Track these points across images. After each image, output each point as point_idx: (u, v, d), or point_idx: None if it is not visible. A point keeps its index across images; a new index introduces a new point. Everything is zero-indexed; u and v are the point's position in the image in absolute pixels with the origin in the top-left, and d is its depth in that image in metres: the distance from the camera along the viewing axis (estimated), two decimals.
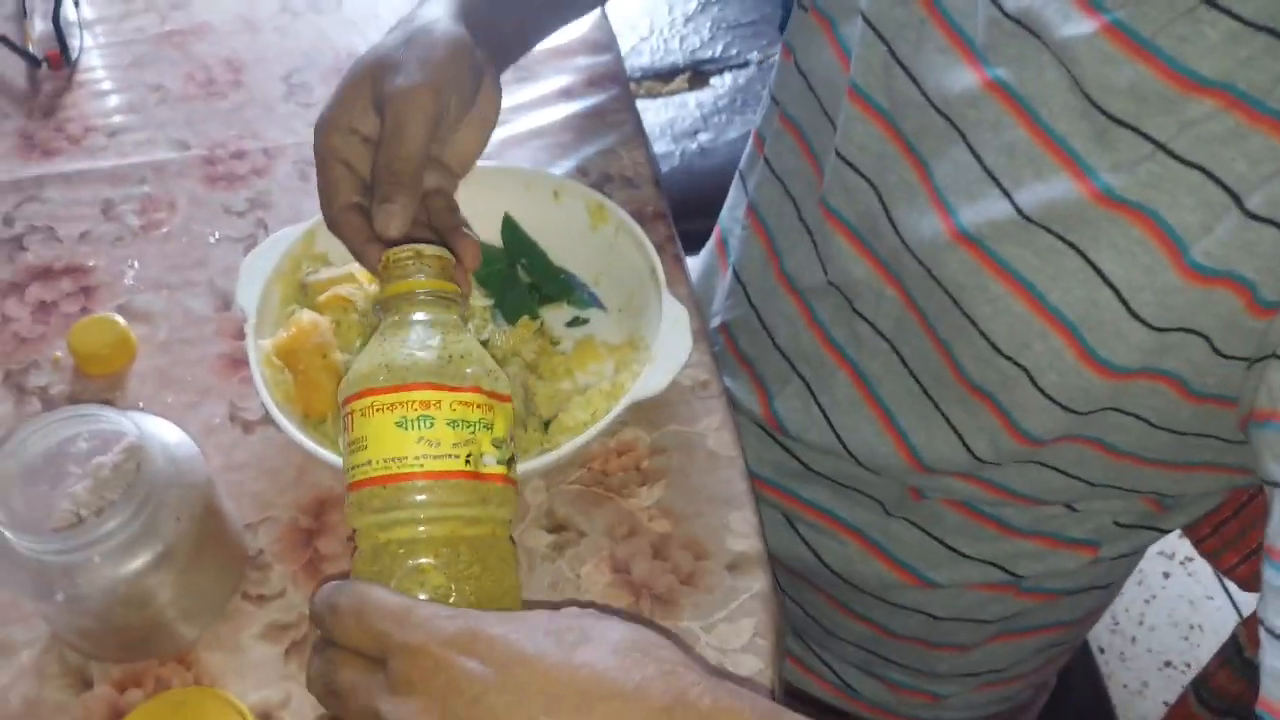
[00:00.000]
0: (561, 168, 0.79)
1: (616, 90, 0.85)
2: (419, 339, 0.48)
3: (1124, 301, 0.52)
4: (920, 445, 0.66)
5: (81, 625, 0.53)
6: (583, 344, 0.68)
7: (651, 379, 0.60)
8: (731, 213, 0.83)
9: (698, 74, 1.46)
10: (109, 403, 0.66)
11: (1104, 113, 0.51)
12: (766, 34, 1.50)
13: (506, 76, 0.83)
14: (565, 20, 0.76)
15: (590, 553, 0.60)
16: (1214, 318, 0.50)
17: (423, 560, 0.44)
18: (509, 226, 0.72)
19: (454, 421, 0.45)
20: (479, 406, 0.46)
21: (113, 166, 0.79)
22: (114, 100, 0.84)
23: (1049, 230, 0.53)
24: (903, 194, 0.62)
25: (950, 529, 0.73)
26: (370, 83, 0.54)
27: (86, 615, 0.52)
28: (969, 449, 0.63)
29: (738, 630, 0.56)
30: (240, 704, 0.52)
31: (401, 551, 0.44)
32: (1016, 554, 0.73)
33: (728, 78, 1.46)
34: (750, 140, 0.80)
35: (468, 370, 0.47)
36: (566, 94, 0.85)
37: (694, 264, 0.88)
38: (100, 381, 0.67)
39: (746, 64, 1.47)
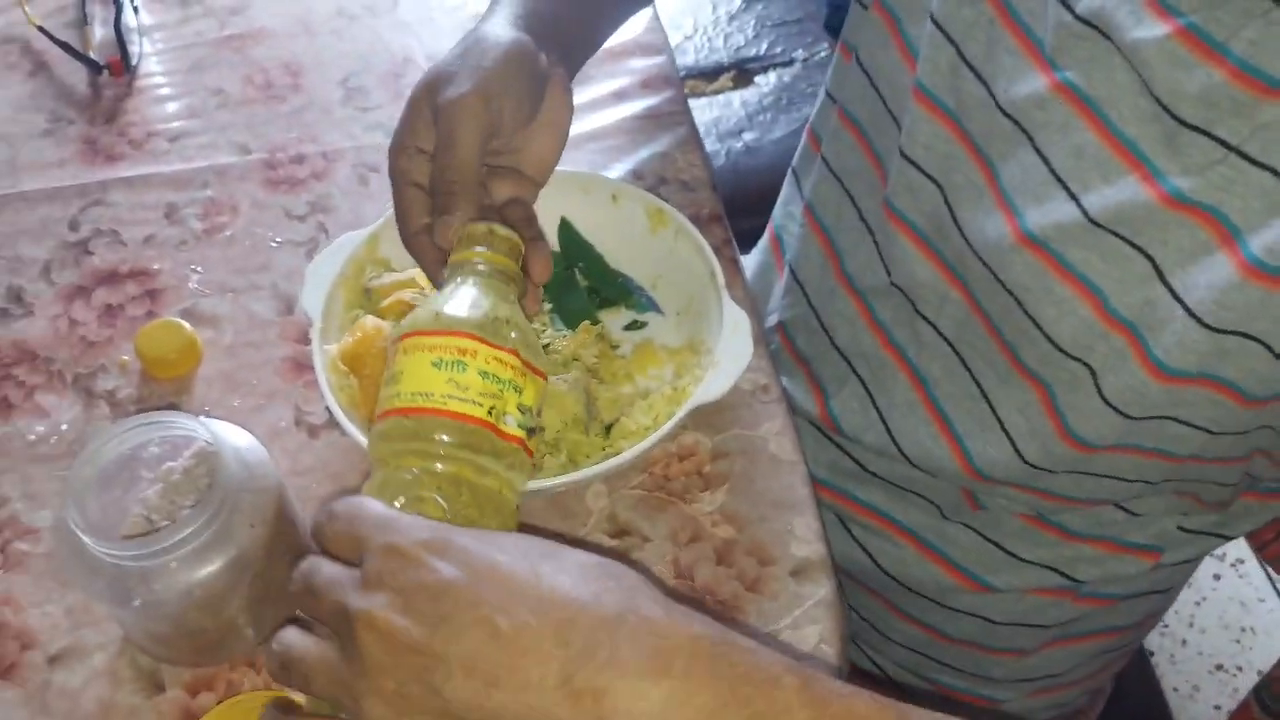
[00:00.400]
0: (617, 171, 0.79)
1: (670, 92, 0.85)
2: (471, 299, 0.50)
3: (1180, 300, 0.51)
4: (975, 451, 0.66)
5: (156, 630, 0.54)
6: (642, 348, 0.68)
7: (714, 384, 0.60)
8: (785, 209, 0.83)
9: (742, 73, 1.46)
10: (176, 406, 0.67)
11: (1174, 116, 0.50)
12: (811, 31, 1.50)
13: None
14: (626, 16, 0.75)
15: (653, 558, 0.60)
16: (1274, 321, 0.49)
17: (425, 492, 0.45)
18: (566, 230, 0.72)
19: (485, 373, 0.47)
20: (512, 368, 0.48)
21: (175, 171, 0.80)
22: (174, 105, 0.85)
23: (1116, 234, 0.53)
24: (969, 195, 0.62)
25: (1009, 534, 0.72)
26: (427, 99, 0.55)
27: (162, 620, 0.52)
28: (1020, 454, 0.63)
29: (803, 637, 0.56)
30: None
31: (409, 479, 0.46)
32: (1076, 558, 0.72)
33: (772, 76, 1.45)
34: (804, 137, 0.79)
35: (511, 334, 0.49)
36: (620, 97, 0.85)
37: (746, 263, 0.88)
38: (167, 385, 0.68)
39: (791, 62, 1.46)
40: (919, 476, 0.72)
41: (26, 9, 0.88)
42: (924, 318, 0.67)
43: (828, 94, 0.75)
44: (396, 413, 0.47)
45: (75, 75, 0.87)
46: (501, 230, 0.53)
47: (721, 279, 0.65)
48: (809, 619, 0.57)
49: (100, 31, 0.89)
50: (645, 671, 0.35)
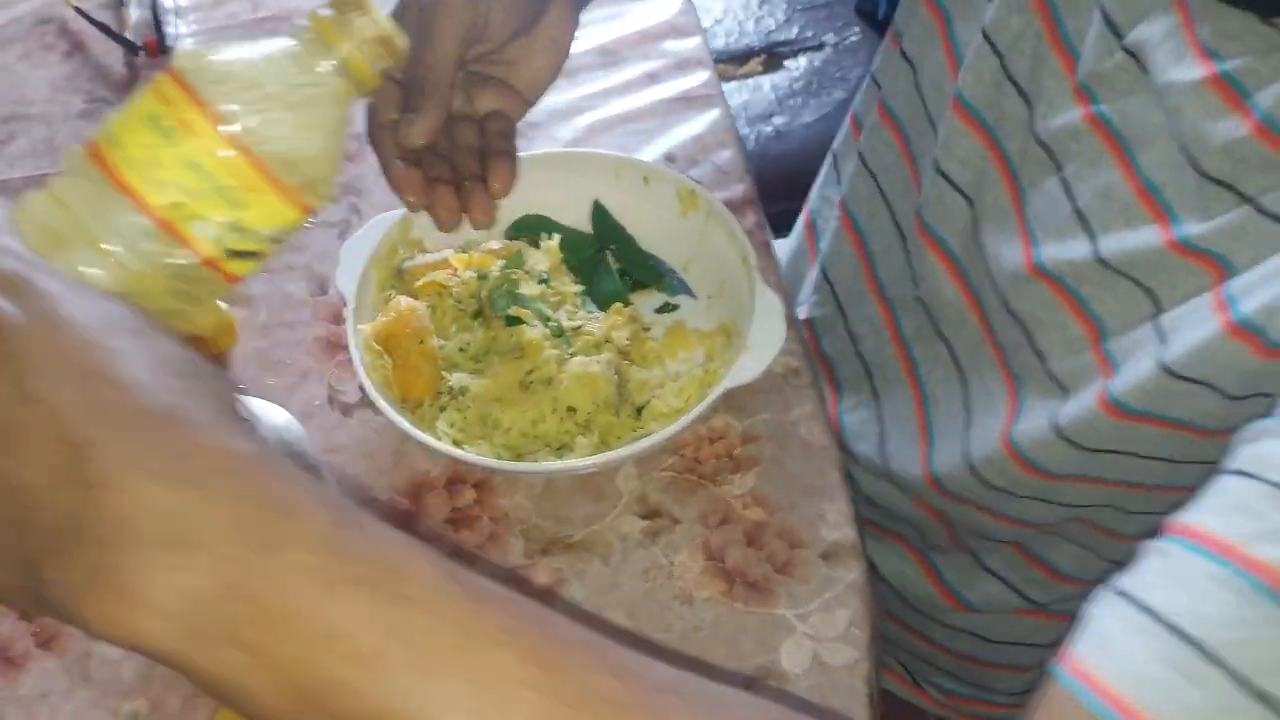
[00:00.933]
0: (649, 154, 0.79)
1: (704, 75, 0.85)
2: (257, 63, 0.38)
3: (1164, 342, 0.50)
4: (936, 456, 0.65)
5: None
6: (674, 331, 0.68)
7: (746, 367, 0.60)
8: (821, 194, 0.82)
9: (772, 56, 1.45)
10: None
11: (1198, 169, 0.48)
12: (842, 15, 1.48)
13: (591, 62, 0.85)
14: None
15: (684, 540, 0.60)
16: (1238, 375, 0.46)
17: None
18: (599, 213, 0.72)
19: (194, 164, 0.36)
20: (239, 175, 0.37)
21: None
22: None
23: (1127, 276, 0.52)
24: (995, 217, 0.61)
25: (1001, 564, 0.70)
26: None
27: None
28: (974, 468, 0.62)
29: (833, 620, 0.56)
30: None
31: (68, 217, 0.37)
32: (1069, 596, 0.70)
33: (802, 60, 1.45)
34: (846, 121, 0.78)
35: (279, 137, 0.37)
36: (653, 79, 0.84)
37: (779, 248, 0.88)
38: None
39: (821, 46, 1.45)
40: (898, 499, 0.71)
41: None
42: (943, 337, 0.66)
43: (872, 78, 0.73)
44: (97, 143, 0.37)
45: (111, 55, 0.88)
46: (376, 16, 0.41)
47: (755, 262, 0.65)
48: (839, 602, 0.57)
49: (136, 12, 0.90)
50: (162, 475, 0.29)
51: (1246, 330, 0.45)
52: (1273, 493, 0.34)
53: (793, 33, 1.47)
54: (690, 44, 0.87)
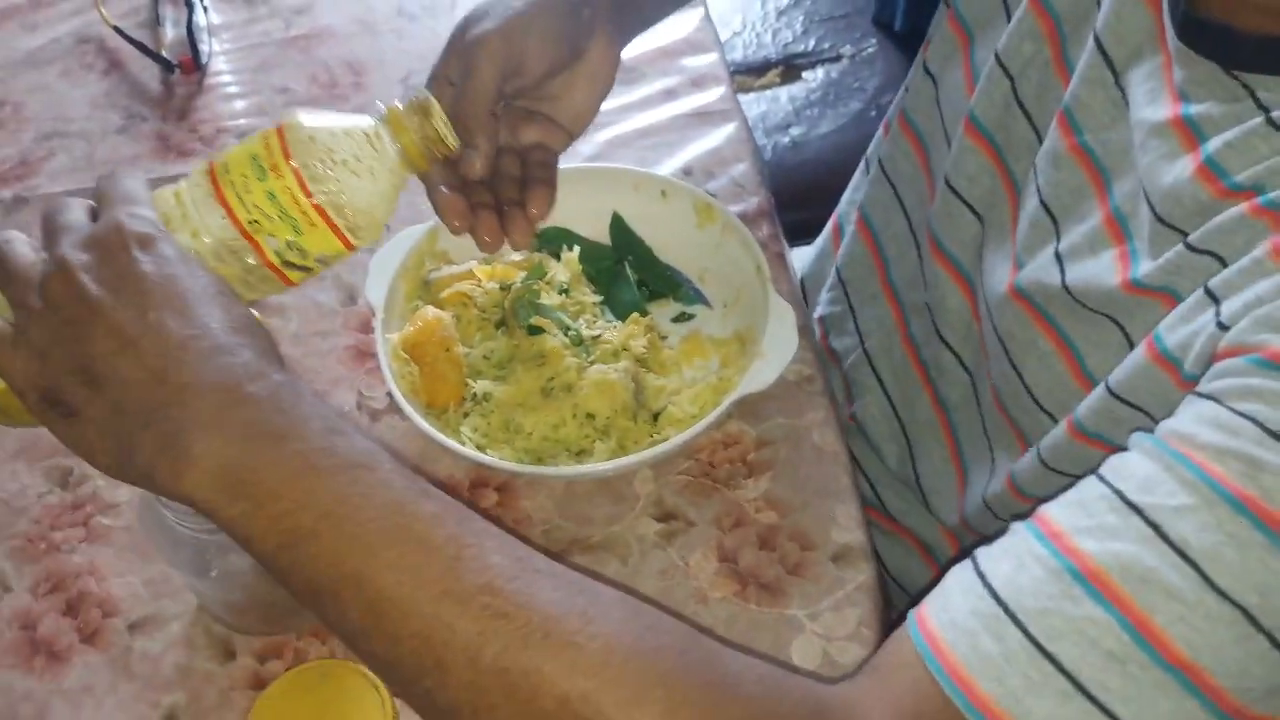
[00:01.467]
0: (668, 168, 0.81)
1: (721, 90, 0.87)
2: (340, 138, 0.49)
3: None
4: (970, 498, 0.66)
5: (230, 599, 0.57)
6: (690, 339, 0.71)
7: (759, 374, 0.62)
8: (851, 197, 0.83)
9: (790, 68, 1.47)
10: None
11: (1151, 208, 0.50)
12: (859, 27, 1.50)
13: None
14: None
15: (698, 542, 0.62)
16: (1157, 397, 0.48)
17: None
18: (618, 225, 0.74)
19: (272, 195, 0.47)
20: (303, 211, 0.48)
21: None
22: (242, 103, 0.88)
23: (1084, 305, 0.54)
24: (996, 235, 0.63)
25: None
26: (460, 35, 0.57)
27: (236, 589, 0.56)
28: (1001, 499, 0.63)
29: (843, 620, 0.58)
30: (372, 675, 0.55)
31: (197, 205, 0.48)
32: None
33: (820, 71, 1.46)
34: (880, 128, 0.79)
35: (331, 187, 0.48)
36: (671, 94, 0.87)
37: (807, 252, 0.90)
38: None
39: (839, 58, 1.47)
40: (921, 514, 0.72)
41: (103, 10, 0.92)
42: (945, 343, 0.68)
43: (905, 89, 0.74)
44: (214, 165, 0.49)
45: (148, 74, 0.91)
46: (437, 114, 0.51)
47: (768, 273, 0.67)
48: (849, 602, 0.59)
49: (172, 31, 0.93)
50: (219, 387, 0.42)
51: (1167, 360, 0.47)
52: (1110, 496, 0.40)
53: (810, 44, 1.49)
54: (708, 60, 0.89)
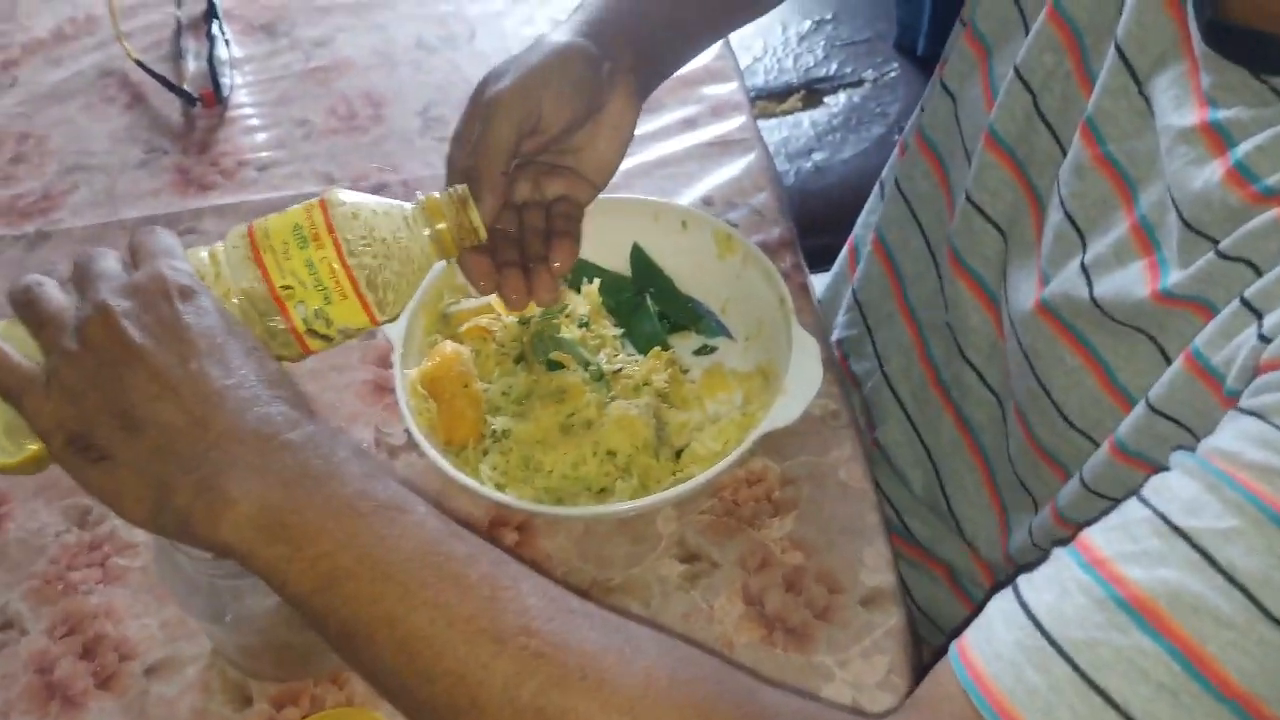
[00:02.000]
0: (688, 198, 0.80)
1: (741, 119, 0.86)
2: (379, 218, 0.51)
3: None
4: (1010, 515, 0.64)
5: (246, 643, 0.56)
6: (711, 372, 0.69)
7: (784, 410, 0.61)
8: (867, 220, 0.82)
9: (812, 93, 1.46)
10: None
11: (1180, 215, 0.49)
12: (881, 51, 1.49)
13: None
14: (723, 30, 0.74)
15: (723, 584, 0.61)
16: (1199, 414, 0.47)
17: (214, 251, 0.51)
18: (638, 256, 0.74)
19: (311, 263, 0.50)
20: (337, 282, 0.50)
21: (264, 199, 0.83)
22: (263, 135, 0.88)
23: (1113, 318, 0.52)
24: (1021, 250, 0.61)
25: None
26: (479, 93, 0.58)
27: (252, 634, 0.55)
28: (1032, 536, 0.62)
29: (873, 667, 0.57)
30: None
31: (226, 262, 0.51)
32: None
33: (842, 96, 1.45)
34: (896, 149, 0.78)
35: (369, 260, 0.50)
36: (691, 124, 0.86)
37: (824, 279, 0.89)
38: None
39: (861, 82, 1.46)
40: (952, 542, 0.71)
41: (126, 44, 0.93)
42: (969, 362, 0.67)
43: (921, 108, 0.74)
44: (254, 229, 0.51)
45: (170, 107, 0.91)
46: (474, 207, 0.53)
47: (790, 305, 0.66)
48: (878, 648, 0.57)
49: (193, 64, 0.93)
50: (257, 433, 0.43)
51: (1209, 375, 0.46)
52: (1154, 520, 0.39)
53: (832, 69, 1.48)
54: (728, 89, 0.88)
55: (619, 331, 0.70)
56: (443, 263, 0.68)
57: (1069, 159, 0.57)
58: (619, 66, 0.59)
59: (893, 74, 1.46)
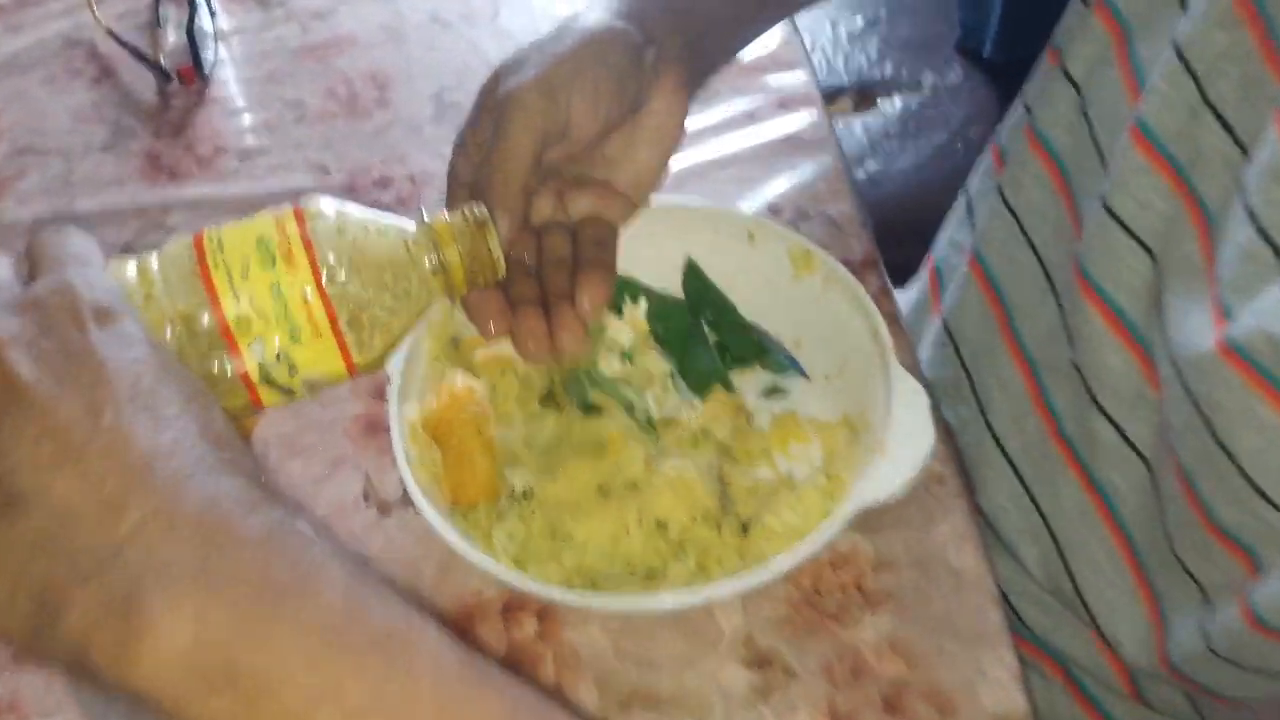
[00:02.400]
0: (750, 204, 0.68)
1: (812, 114, 0.74)
2: (372, 239, 0.41)
3: None
4: (1166, 605, 0.52)
5: None
6: (783, 421, 0.56)
7: (885, 480, 0.48)
8: (952, 238, 0.71)
9: (864, 95, 1.34)
10: None
11: None
12: (941, 53, 1.37)
13: None
14: (789, 7, 0.64)
15: (802, 698, 0.47)
16: None
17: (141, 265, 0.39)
18: (693, 274, 0.60)
19: (277, 288, 0.39)
20: (312, 319, 0.39)
21: (244, 193, 0.71)
22: (248, 119, 0.77)
23: None
24: (1182, 275, 0.49)
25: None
26: (492, 89, 0.48)
27: None
28: (1208, 640, 0.49)
29: None
30: None
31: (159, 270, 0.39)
32: None
33: (897, 100, 1.33)
34: (987, 154, 0.67)
35: (352, 290, 0.40)
36: (753, 118, 0.74)
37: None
38: None
39: (919, 86, 1.34)
40: (1075, 634, 0.58)
41: (96, 10, 0.80)
42: (1103, 412, 0.55)
43: (1023, 104, 0.63)
44: (204, 238, 0.40)
45: (143, 83, 0.79)
46: (495, 235, 0.42)
47: (888, 340, 0.53)
48: None
49: (173, 36, 0.81)
50: (196, 525, 0.30)
51: None
52: None
53: (887, 71, 1.36)
54: (796, 79, 0.76)
55: (669, 367, 0.57)
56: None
57: (1262, 159, 0.44)
58: (665, 55, 0.49)
59: (955, 79, 1.34)
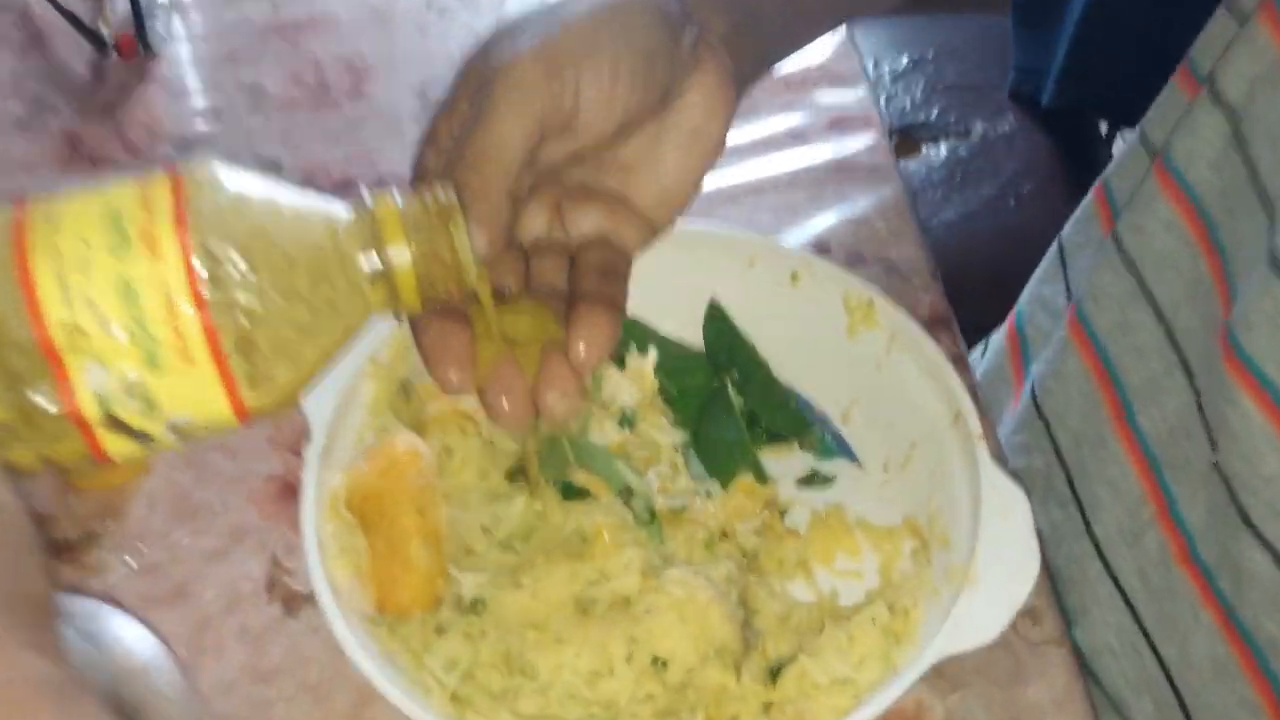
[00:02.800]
0: (792, 238, 0.57)
1: (870, 137, 0.63)
2: (305, 251, 0.29)
3: None
4: None
5: None
6: (827, 520, 0.44)
7: (976, 620, 0.35)
8: (1039, 294, 0.61)
9: (906, 140, 1.24)
10: (93, 536, 0.44)
11: None
12: (993, 99, 1.27)
13: None
14: (857, 11, 0.53)
15: None
16: None
17: None
18: (718, 320, 0.49)
19: (129, 286, 0.28)
20: (182, 333, 0.28)
21: None
22: (196, 102, 0.66)
23: None
24: None
25: None
26: (480, 63, 0.36)
27: None
28: None
29: None
30: None
31: None
32: None
33: (943, 147, 1.23)
34: (1090, 196, 0.57)
35: (258, 315, 0.28)
36: (799, 138, 0.64)
37: None
38: (89, 502, 0.46)
39: (967, 133, 1.23)
40: None
41: None
42: (1258, 534, 0.43)
43: (1142, 138, 0.52)
44: (25, 215, 0.29)
45: (77, 55, 0.68)
46: (463, 228, 0.31)
47: (976, 425, 0.40)
48: None
49: (123, 5, 0.70)
50: None
51: None
52: None
53: (931, 115, 1.25)
54: (852, 96, 0.66)
55: (681, 439, 0.44)
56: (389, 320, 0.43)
57: None
58: (709, 37, 0.38)
59: (1007, 126, 1.23)
